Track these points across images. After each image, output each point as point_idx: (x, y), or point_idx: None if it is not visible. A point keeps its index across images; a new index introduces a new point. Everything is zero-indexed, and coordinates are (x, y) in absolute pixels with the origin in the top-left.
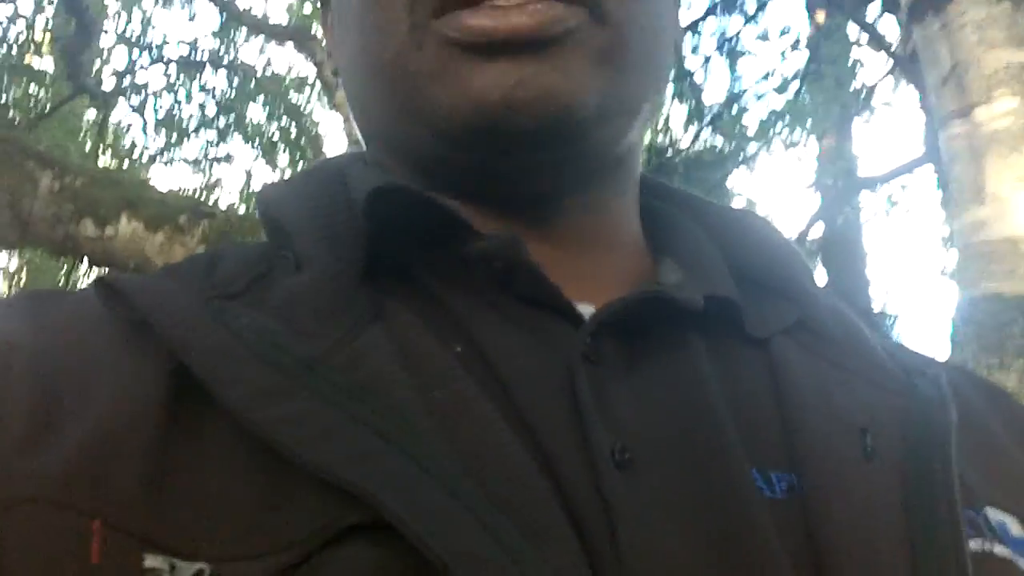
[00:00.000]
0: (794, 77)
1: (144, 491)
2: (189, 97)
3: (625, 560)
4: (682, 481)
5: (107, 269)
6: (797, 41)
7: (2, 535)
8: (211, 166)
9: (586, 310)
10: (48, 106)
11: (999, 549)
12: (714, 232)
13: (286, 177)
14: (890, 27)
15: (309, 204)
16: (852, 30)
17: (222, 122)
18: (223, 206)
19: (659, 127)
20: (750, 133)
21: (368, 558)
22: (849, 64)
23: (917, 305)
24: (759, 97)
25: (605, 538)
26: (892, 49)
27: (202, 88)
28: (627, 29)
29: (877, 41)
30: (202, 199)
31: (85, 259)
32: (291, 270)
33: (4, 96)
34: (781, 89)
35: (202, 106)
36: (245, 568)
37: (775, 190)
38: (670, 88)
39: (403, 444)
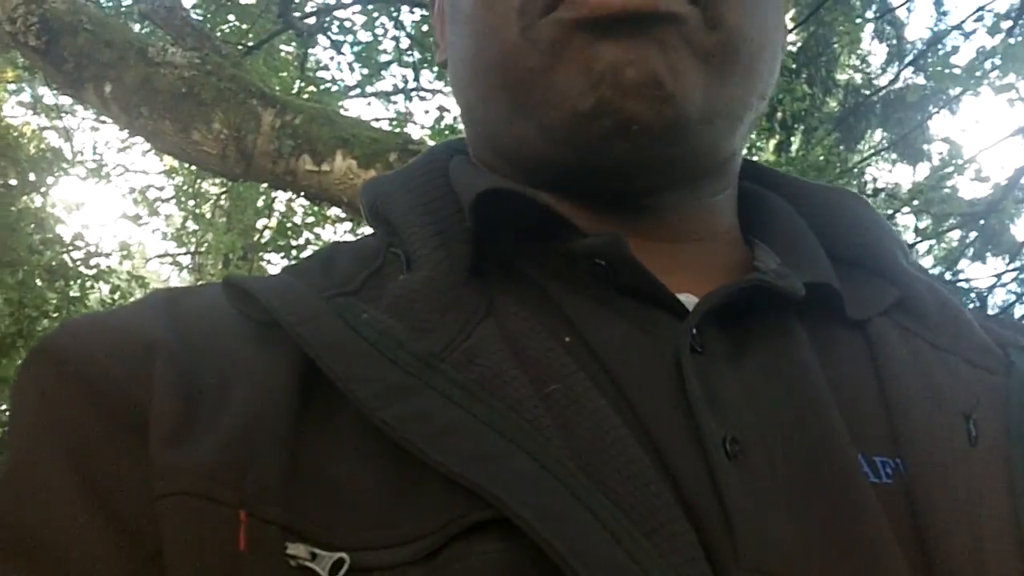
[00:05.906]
0: (1006, 16)
1: (283, 483)
2: (386, 32)
3: (742, 551)
4: (792, 469)
5: (323, 203)
6: None
7: (160, 525)
8: (406, 99)
9: (687, 300)
10: (254, 42)
11: None
12: (808, 213)
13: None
14: None
15: (418, 202)
16: None
17: (415, 57)
18: (414, 137)
19: (856, 64)
20: (956, 74)
21: (494, 553)
22: None
23: None
24: (966, 36)
25: (722, 530)
26: None
27: (397, 23)
28: (736, 37)
29: None
30: (399, 132)
31: (302, 193)
32: (402, 267)
33: (215, 34)
34: (993, 30)
35: (396, 39)
36: (380, 558)
37: (981, 134)
38: (869, 27)
39: (523, 443)
